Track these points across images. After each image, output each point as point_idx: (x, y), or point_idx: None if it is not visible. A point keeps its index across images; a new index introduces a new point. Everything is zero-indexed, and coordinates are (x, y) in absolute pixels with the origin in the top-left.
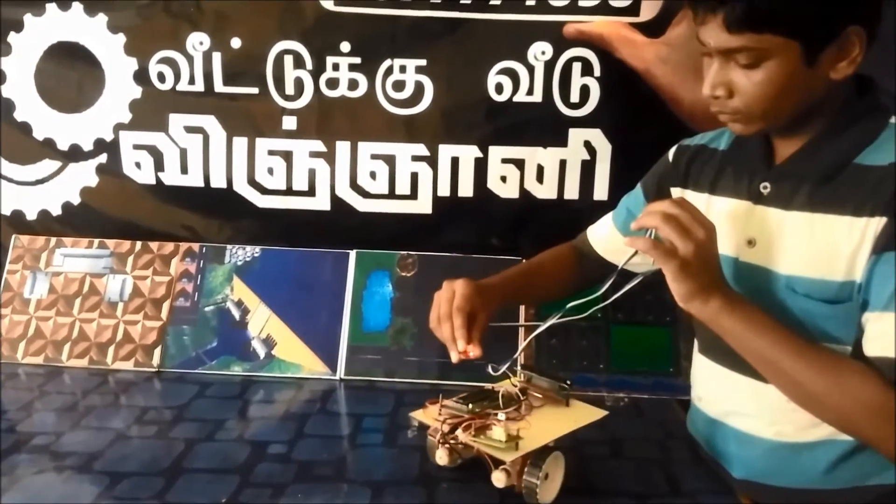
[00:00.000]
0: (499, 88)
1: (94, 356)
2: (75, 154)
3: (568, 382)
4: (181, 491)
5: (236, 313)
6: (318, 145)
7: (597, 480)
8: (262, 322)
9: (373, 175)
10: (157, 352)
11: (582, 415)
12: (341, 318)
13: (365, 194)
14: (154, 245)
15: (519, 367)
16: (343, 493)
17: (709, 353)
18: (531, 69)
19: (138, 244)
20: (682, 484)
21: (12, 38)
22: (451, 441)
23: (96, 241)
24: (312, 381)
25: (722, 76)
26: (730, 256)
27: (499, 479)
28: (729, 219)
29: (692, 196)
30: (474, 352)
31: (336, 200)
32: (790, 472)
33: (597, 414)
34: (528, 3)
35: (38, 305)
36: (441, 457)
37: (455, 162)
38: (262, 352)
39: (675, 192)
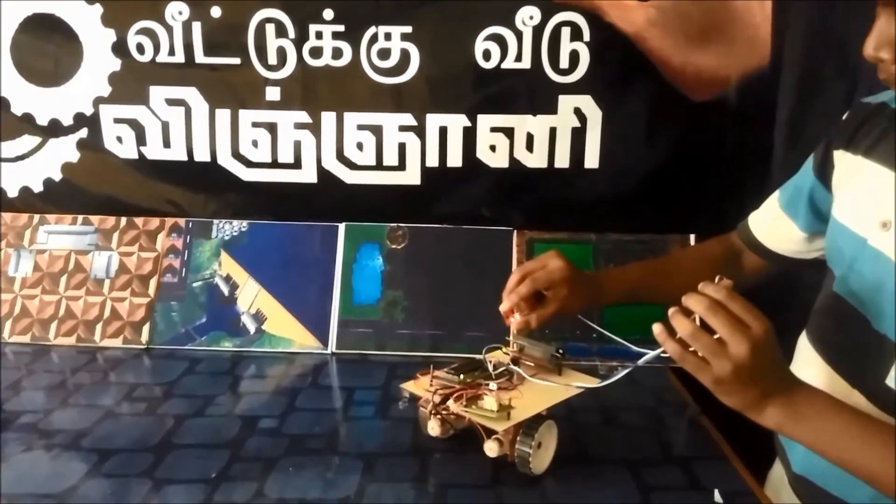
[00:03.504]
0: (486, 55)
1: (81, 334)
2: (55, 129)
3: (560, 351)
4: (170, 467)
5: (225, 289)
6: (303, 116)
7: (590, 448)
8: (252, 297)
9: (359, 146)
10: (146, 329)
11: (574, 383)
12: (331, 291)
13: (352, 166)
14: (139, 221)
15: (511, 337)
16: (334, 465)
17: (812, 338)
18: (519, 35)
19: (123, 220)
20: (675, 451)
21: None
22: (443, 412)
23: (80, 217)
24: (303, 356)
25: (890, 32)
26: (860, 236)
27: (491, 448)
28: (873, 191)
29: (848, 158)
30: (515, 320)
31: (323, 172)
32: (845, 481)
33: (589, 382)
34: None
35: (23, 284)
36: (433, 428)
37: (443, 131)
38: (252, 327)
39: (838, 154)
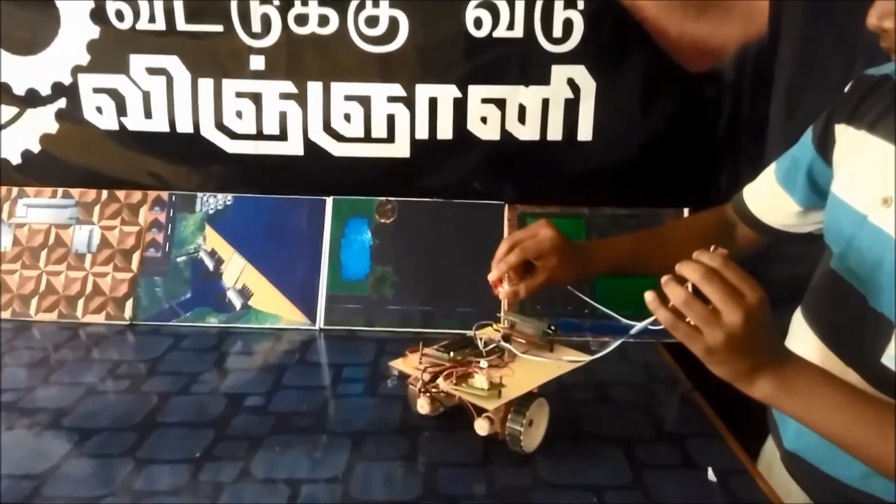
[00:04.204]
0: (477, 23)
1: (63, 310)
2: (33, 99)
3: (552, 328)
4: (154, 446)
5: (210, 263)
6: (289, 86)
7: (582, 426)
8: (238, 272)
9: (347, 117)
10: (129, 304)
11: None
12: (319, 266)
13: (339, 138)
14: (121, 194)
15: (502, 313)
16: (322, 444)
17: (808, 315)
18: (511, 2)
19: (104, 193)
20: (667, 428)
21: None
22: (433, 390)
23: (60, 190)
24: (291, 332)
25: (893, 1)
26: (860, 213)
27: (482, 426)
28: (875, 166)
29: (851, 133)
30: (503, 290)
31: (309, 145)
32: (836, 459)
33: (581, 359)
34: None
35: (2, 258)
36: (422, 406)
37: (433, 103)
38: (238, 303)
39: (839, 128)
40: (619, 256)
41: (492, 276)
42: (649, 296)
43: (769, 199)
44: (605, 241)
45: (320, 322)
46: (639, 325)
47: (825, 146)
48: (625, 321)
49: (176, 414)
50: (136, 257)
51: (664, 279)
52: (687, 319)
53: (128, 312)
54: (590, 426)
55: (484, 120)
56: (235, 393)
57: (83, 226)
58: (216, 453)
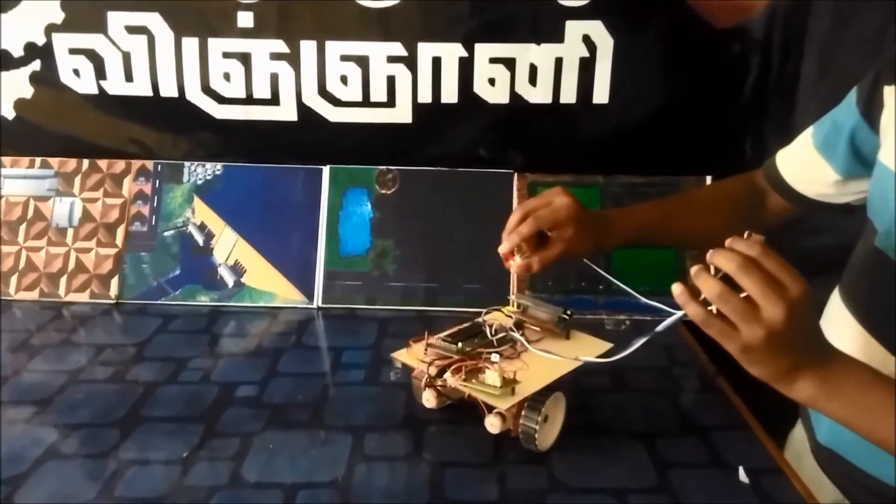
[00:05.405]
0: None
1: (44, 288)
2: (5, 61)
3: (568, 312)
4: (137, 445)
5: (199, 238)
6: (280, 45)
7: (599, 417)
8: (229, 247)
9: (344, 80)
10: (115, 282)
11: (584, 350)
12: (316, 241)
13: (336, 102)
14: (103, 163)
15: (513, 296)
16: (320, 440)
17: (847, 298)
18: None
19: (85, 163)
20: (692, 419)
21: None
22: (439, 386)
23: (38, 160)
24: (287, 311)
25: None
26: None
27: (493, 424)
28: None
29: None
30: (515, 263)
31: (303, 109)
32: (876, 457)
33: (601, 348)
34: None
35: None
36: (428, 399)
37: (437, 63)
38: (230, 280)
39: (888, 91)
40: (639, 226)
41: (503, 249)
42: (677, 289)
43: (805, 166)
44: (624, 209)
45: (318, 300)
46: (667, 322)
47: (871, 110)
48: (643, 300)
49: (163, 407)
50: (120, 231)
51: (694, 270)
52: (720, 314)
53: (113, 290)
54: (608, 418)
55: (492, 81)
56: (227, 382)
57: (63, 198)
58: (204, 454)
